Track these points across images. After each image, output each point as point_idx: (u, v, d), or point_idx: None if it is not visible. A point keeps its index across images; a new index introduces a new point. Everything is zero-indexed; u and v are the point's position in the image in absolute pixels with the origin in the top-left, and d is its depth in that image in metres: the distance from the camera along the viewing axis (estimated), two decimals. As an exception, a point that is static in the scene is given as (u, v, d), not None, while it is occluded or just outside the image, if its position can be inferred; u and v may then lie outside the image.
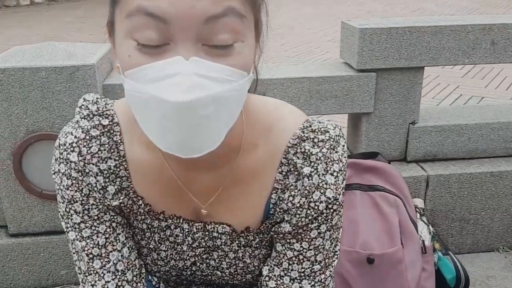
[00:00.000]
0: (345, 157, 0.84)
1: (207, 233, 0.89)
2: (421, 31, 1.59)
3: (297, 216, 0.83)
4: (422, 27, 1.59)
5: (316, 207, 0.81)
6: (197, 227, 0.88)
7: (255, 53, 0.74)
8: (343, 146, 0.84)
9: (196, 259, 0.93)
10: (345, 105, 1.66)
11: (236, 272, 0.94)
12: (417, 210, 1.54)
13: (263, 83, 1.61)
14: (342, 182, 0.82)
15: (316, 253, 0.85)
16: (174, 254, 0.92)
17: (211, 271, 0.94)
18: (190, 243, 0.90)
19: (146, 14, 0.62)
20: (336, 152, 0.82)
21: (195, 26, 0.63)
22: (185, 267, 0.94)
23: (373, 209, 1.51)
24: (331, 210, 0.82)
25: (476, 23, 1.62)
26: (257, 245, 0.90)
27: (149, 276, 1.11)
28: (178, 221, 0.88)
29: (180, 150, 0.68)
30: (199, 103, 0.62)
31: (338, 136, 0.83)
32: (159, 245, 0.91)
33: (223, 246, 0.90)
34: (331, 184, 0.80)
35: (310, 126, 0.83)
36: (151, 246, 0.91)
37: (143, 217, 0.88)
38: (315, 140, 0.82)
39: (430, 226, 1.52)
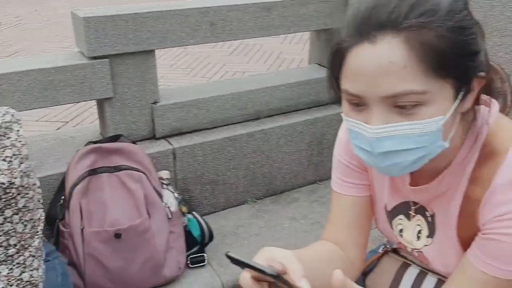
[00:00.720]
0: (20, 141, 0.89)
1: None
2: (144, 17, 1.71)
3: None
4: (145, 13, 1.71)
5: None
6: None
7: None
8: (18, 131, 0.89)
9: None
10: (83, 93, 1.70)
11: None
12: (162, 181, 1.69)
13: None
14: (19, 166, 0.87)
15: (7, 238, 0.89)
16: None
17: None
18: None
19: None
20: (8, 138, 0.86)
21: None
22: None
23: (120, 188, 1.60)
24: (10, 195, 0.86)
25: (195, 7, 1.81)
26: None
27: None
28: None
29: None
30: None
31: (8, 122, 0.88)
32: None
33: None
34: (5, 169, 0.85)
35: None
36: None
37: None
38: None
39: (176, 193, 1.69)
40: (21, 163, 0.88)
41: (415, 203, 1.03)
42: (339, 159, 1.10)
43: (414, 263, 1.15)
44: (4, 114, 0.88)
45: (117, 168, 1.62)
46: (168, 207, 1.63)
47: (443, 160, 0.90)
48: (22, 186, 0.90)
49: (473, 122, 0.88)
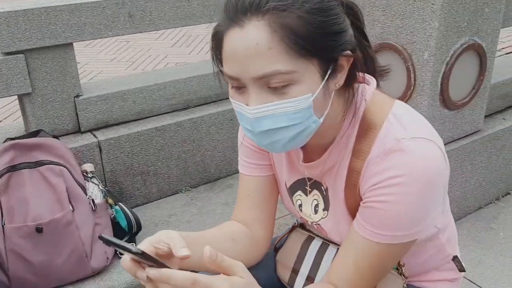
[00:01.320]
0: None
1: None
2: (58, 10, 1.70)
3: None
4: (59, 6, 1.70)
5: None
6: None
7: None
8: None
9: None
10: (-1, 89, 1.67)
11: None
12: (85, 174, 1.70)
13: None
14: None
15: None
16: None
17: None
18: None
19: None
20: None
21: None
22: None
23: (42, 183, 1.60)
24: None
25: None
26: None
27: None
28: None
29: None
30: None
31: None
32: None
33: None
34: None
35: None
36: None
37: None
38: None
39: (100, 185, 1.70)
40: None
41: (310, 179, 1.09)
42: (242, 142, 1.15)
43: (318, 236, 1.22)
44: None
45: (38, 163, 1.62)
46: (93, 199, 1.64)
47: (328, 136, 0.95)
48: None
49: (352, 99, 0.93)
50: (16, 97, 1.86)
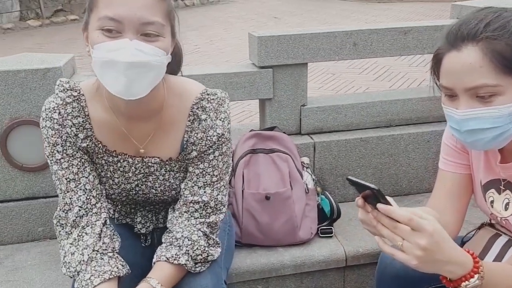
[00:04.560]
0: (228, 109, 1.41)
1: (144, 164, 1.43)
2: (301, 37, 2.21)
3: (199, 145, 1.39)
4: (303, 34, 2.21)
5: (211, 139, 1.38)
6: (138, 160, 1.43)
7: (171, 44, 1.29)
8: (227, 103, 1.41)
9: (138, 182, 1.47)
10: (251, 93, 2.25)
11: (165, 189, 1.48)
12: (303, 164, 2.14)
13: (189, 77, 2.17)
14: (227, 125, 1.38)
15: (213, 170, 1.40)
16: (123, 179, 1.45)
17: (149, 190, 1.48)
18: (133, 171, 1.44)
19: (109, 19, 1.16)
20: (223, 106, 1.39)
21: (136, 25, 1.17)
22: (131, 188, 1.48)
23: (271, 165, 2.08)
24: (221, 141, 1.38)
25: (341, 30, 2.26)
26: (177, 170, 1.45)
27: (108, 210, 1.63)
28: (125, 156, 1.42)
29: (125, 94, 1.22)
30: (136, 64, 1.17)
31: (224, 97, 1.40)
32: (113, 174, 1.44)
33: (155, 172, 1.45)
34: (220, 125, 1.37)
35: (206, 91, 1.40)
36: (108, 175, 1.45)
37: (101, 155, 1.41)
38: (208, 98, 1.39)
39: (313, 176, 2.12)
40: (228, 123, 1.39)
41: (504, 180, 1.30)
42: (446, 142, 1.43)
43: (505, 234, 1.39)
44: (221, 92, 1.41)
45: (271, 151, 2.11)
46: (306, 184, 2.06)
47: None
48: (227, 138, 1.40)
49: None
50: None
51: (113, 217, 1.61)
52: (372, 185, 1.00)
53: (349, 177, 1.05)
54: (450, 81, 1.15)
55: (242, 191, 2.01)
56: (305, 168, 2.13)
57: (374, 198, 1.02)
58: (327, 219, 2.11)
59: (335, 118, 2.36)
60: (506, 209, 1.31)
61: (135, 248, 1.58)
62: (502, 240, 1.37)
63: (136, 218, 1.58)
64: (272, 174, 2.05)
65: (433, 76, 1.26)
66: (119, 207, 1.61)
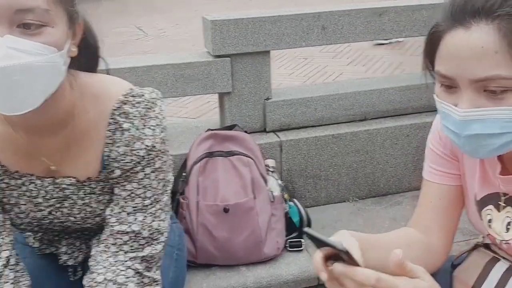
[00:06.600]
0: (162, 115, 1.11)
1: (57, 185, 1.13)
2: (262, 21, 1.92)
3: (122, 162, 1.09)
4: (263, 17, 1.92)
5: (137, 154, 1.08)
6: (48, 182, 1.12)
7: (68, 36, 0.98)
8: (160, 106, 1.11)
9: (51, 208, 1.16)
10: (207, 87, 1.96)
11: (86, 216, 1.18)
12: (268, 168, 1.87)
13: (132, 70, 1.86)
14: (160, 134, 1.08)
15: (145, 191, 1.11)
16: (32, 206, 1.15)
17: (66, 217, 1.18)
18: (43, 195, 1.14)
19: None
20: (153, 110, 1.09)
21: (7, 14, 0.87)
22: (43, 216, 1.17)
23: (232, 170, 1.81)
24: (152, 155, 1.09)
25: (308, 12, 1.97)
26: (100, 192, 1.15)
27: (25, 239, 1.33)
28: (31, 178, 1.11)
29: (3, 108, 0.91)
30: (10, 69, 0.86)
31: (154, 98, 1.10)
32: (18, 200, 1.13)
33: (72, 196, 1.15)
34: (149, 135, 1.07)
35: (131, 92, 1.10)
36: (12, 201, 1.14)
37: (1, 177, 1.10)
38: (133, 102, 1.09)
39: (279, 181, 1.85)
40: (161, 132, 1.10)
41: (505, 194, 1.04)
42: (432, 148, 1.16)
43: (505, 258, 1.15)
44: (151, 92, 1.11)
45: (230, 153, 1.84)
46: (271, 191, 1.79)
47: None
48: (160, 150, 1.11)
49: None
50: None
51: (33, 246, 1.31)
52: (339, 244, 0.72)
53: (307, 229, 0.76)
54: (452, 69, 0.85)
55: (197, 202, 1.73)
56: (270, 173, 1.86)
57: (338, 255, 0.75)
58: (296, 230, 1.85)
59: (304, 113, 2.09)
60: (507, 230, 1.06)
61: (58, 285, 1.29)
62: (501, 267, 1.13)
63: (61, 248, 1.28)
64: (232, 181, 1.77)
65: (426, 61, 0.97)
66: (40, 234, 1.30)
